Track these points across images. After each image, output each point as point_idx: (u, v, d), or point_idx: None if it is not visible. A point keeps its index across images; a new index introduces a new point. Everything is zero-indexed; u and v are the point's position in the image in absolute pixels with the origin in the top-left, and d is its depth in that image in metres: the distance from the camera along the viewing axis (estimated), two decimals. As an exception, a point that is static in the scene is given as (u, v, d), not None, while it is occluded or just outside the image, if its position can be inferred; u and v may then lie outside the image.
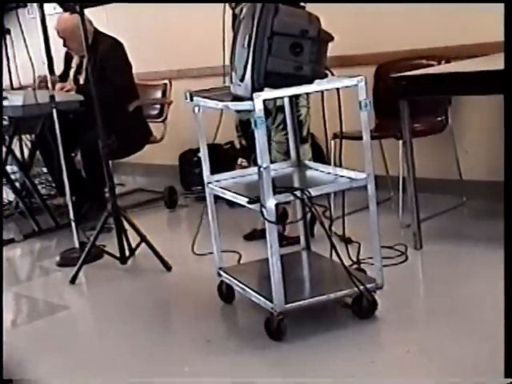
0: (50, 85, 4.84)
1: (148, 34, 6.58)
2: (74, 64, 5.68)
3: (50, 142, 5.17)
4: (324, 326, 3.24)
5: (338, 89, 3.19)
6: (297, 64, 3.00)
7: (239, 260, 4.04)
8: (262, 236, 3.53)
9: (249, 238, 4.58)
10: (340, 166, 3.49)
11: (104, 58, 5.26)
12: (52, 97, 4.68)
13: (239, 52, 3.12)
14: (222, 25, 3.76)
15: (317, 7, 3.36)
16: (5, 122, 5.35)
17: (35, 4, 5.12)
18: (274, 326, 3.14)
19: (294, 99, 3.78)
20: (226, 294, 3.66)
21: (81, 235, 4.70)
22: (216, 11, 3.93)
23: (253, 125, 2.96)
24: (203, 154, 3.55)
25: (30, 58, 4.85)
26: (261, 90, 2.98)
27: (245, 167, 4.53)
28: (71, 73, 5.67)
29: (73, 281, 4.28)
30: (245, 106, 3.03)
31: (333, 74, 3.17)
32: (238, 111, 4.14)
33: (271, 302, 3.13)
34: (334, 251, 3.30)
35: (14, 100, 5.13)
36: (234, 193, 3.32)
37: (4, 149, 5.50)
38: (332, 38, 3.13)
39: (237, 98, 3.15)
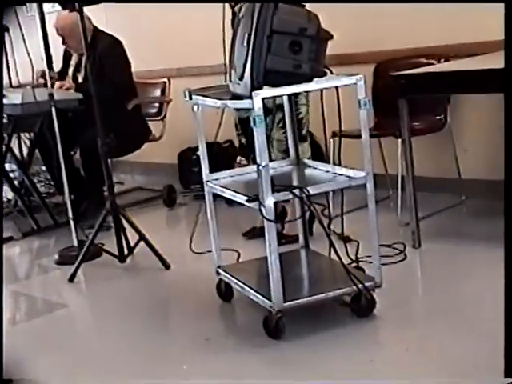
0: (48, 83, 4.84)
1: (147, 33, 6.58)
2: (72, 62, 5.67)
3: (49, 141, 5.17)
4: (322, 325, 3.24)
5: (337, 87, 3.19)
6: (296, 62, 2.99)
7: (238, 258, 4.04)
8: (260, 234, 3.53)
9: (248, 235, 4.58)
10: (339, 164, 3.49)
11: (103, 56, 5.25)
12: (51, 95, 4.67)
13: (238, 50, 3.12)
14: (221, 23, 3.76)
15: (316, 5, 3.36)
16: (3, 121, 5.34)
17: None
18: (272, 325, 3.15)
19: (293, 97, 3.78)
20: (225, 292, 3.66)
21: (79, 233, 4.69)
22: (215, 10, 3.93)
23: (252, 123, 2.96)
24: (202, 153, 3.55)
25: (29, 56, 4.84)
26: (260, 88, 2.98)
27: (244, 165, 4.54)
28: (70, 71, 5.67)
29: (71, 279, 4.27)
30: (244, 104, 3.03)
31: (332, 73, 3.17)
32: (238, 109, 4.14)
33: (270, 300, 3.13)
34: (332, 250, 3.30)
35: (13, 98, 5.12)
36: (233, 191, 3.32)
37: (3, 147, 5.51)
38: (331, 37, 3.13)
39: (236, 97, 3.15)
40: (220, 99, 3.18)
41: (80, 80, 5.53)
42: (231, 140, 5.51)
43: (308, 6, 3.59)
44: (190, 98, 3.44)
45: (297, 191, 3.09)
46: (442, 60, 4.66)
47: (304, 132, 4.30)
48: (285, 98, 3.72)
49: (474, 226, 4.35)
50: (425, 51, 4.79)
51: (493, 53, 4.21)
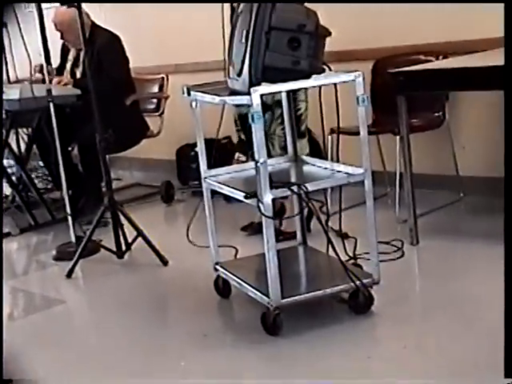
0: (46, 78, 4.83)
1: (145, 29, 6.57)
2: (70, 57, 5.67)
3: (47, 136, 5.16)
4: (320, 321, 3.24)
5: (335, 84, 3.18)
6: (294, 59, 2.99)
7: (236, 255, 4.04)
8: (259, 228, 3.53)
9: (246, 230, 4.58)
10: (337, 161, 3.49)
11: (101, 52, 5.25)
12: (49, 91, 4.67)
13: (237, 47, 3.11)
14: (220, 20, 3.76)
15: (315, 3, 3.35)
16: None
17: (32, -1, 5.11)
18: (270, 321, 3.15)
19: (291, 94, 3.77)
20: (223, 288, 3.66)
21: (77, 229, 4.69)
22: (214, 6, 3.92)
23: (250, 119, 2.96)
24: (200, 149, 3.55)
25: (27, 51, 4.84)
26: (258, 84, 2.98)
27: (242, 162, 4.53)
28: (68, 66, 5.67)
29: (69, 275, 4.27)
30: (242, 100, 3.03)
31: (330, 69, 3.16)
32: (237, 105, 4.14)
33: (267, 296, 3.13)
34: (330, 246, 3.30)
35: (11, 94, 5.12)
36: (231, 188, 3.32)
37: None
38: (329, 33, 3.13)
39: (234, 93, 3.14)
40: (218, 95, 3.18)
41: (78, 75, 5.53)
42: (230, 136, 5.50)
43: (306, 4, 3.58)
44: (189, 94, 3.44)
45: (295, 188, 3.09)
46: (441, 57, 4.66)
47: (303, 128, 4.30)
48: (283, 95, 3.71)
49: (472, 223, 4.36)
50: (423, 48, 4.79)
51: (491, 50, 4.20)
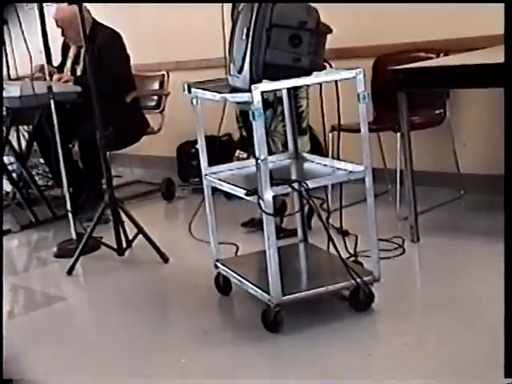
0: (47, 75, 4.83)
1: (146, 26, 6.57)
2: (71, 54, 5.66)
3: (48, 133, 5.16)
4: (321, 319, 3.24)
5: (336, 81, 3.18)
6: (295, 56, 2.99)
7: (236, 252, 4.04)
8: (259, 224, 3.53)
9: (247, 226, 4.58)
10: (338, 158, 3.49)
11: (102, 49, 5.25)
12: (49, 88, 4.67)
13: (237, 44, 3.11)
14: (220, 17, 3.76)
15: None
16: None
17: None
18: (270, 318, 3.15)
19: (292, 91, 3.77)
20: (223, 285, 3.66)
21: (78, 226, 4.69)
22: (214, 3, 3.92)
23: (251, 117, 2.96)
24: (201, 146, 3.55)
25: (28, 48, 4.84)
26: (259, 81, 2.97)
27: (242, 159, 4.53)
28: (68, 63, 5.66)
29: (70, 272, 4.28)
30: (243, 97, 3.03)
31: (331, 67, 3.16)
32: (239, 102, 4.13)
33: (268, 293, 3.13)
34: (331, 244, 3.30)
35: (12, 91, 5.12)
36: (232, 185, 3.32)
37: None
38: (330, 30, 3.13)
39: (235, 90, 3.14)
40: (219, 92, 3.18)
41: (78, 72, 5.53)
42: (230, 133, 5.50)
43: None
44: (189, 92, 3.44)
45: (296, 185, 3.09)
46: (442, 54, 4.66)
47: (304, 125, 4.30)
48: (284, 92, 3.71)
49: (472, 221, 4.35)
50: (424, 45, 4.79)
51: (492, 47, 4.20)
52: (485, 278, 3.46)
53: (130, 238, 4.41)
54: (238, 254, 4.01)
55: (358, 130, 3.16)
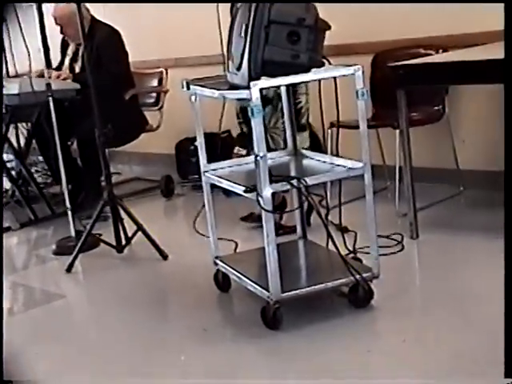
0: (45, 73, 4.83)
1: (144, 23, 6.56)
2: (69, 52, 5.66)
3: (46, 131, 5.15)
4: (320, 315, 3.24)
5: (335, 78, 3.18)
6: (294, 52, 2.99)
7: (235, 249, 4.04)
8: (258, 219, 3.52)
9: (246, 220, 4.58)
10: (337, 155, 3.49)
11: (100, 47, 5.25)
12: (48, 85, 4.66)
13: (236, 41, 3.11)
14: (220, 14, 3.76)
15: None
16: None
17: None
18: (270, 315, 3.15)
19: (291, 87, 3.77)
20: (223, 282, 3.66)
21: (77, 224, 4.69)
22: (212, 3, 3.92)
23: (249, 113, 2.95)
24: (200, 143, 3.54)
25: (27, 46, 4.83)
26: (258, 78, 2.97)
27: (241, 156, 4.53)
28: (67, 60, 5.66)
29: (69, 269, 4.27)
30: (241, 94, 3.02)
31: (330, 63, 3.16)
32: (238, 99, 4.14)
33: (267, 290, 3.12)
34: (330, 240, 3.30)
35: (11, 88, 5.11)
36: (231, 182, 3.31)
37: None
38: (329, 27, 3.12)
39: (234, 87, 3.14)
40: (218, 89, 3.18)
41: (77, 70, 5.52)
42: (229, 130, 5.50)
43: None
44: (188, 88, 3.43)
45: (295, 182, 3.09)
46: (441, 50, 4.65)
47: (303, 121, 4.30)
48: (283, 88, 3.71)
49: (471, 217, 4.35)
50: (423, 42, 4.78)
51: (491, 43, 4.20)
52: (484, 274, 3.46)
53: (129, 235, 4.41)
54: (237, 250, 4.01)
55: (357, 127, 3.16)
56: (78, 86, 5.21)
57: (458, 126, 4.78)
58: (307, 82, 3.85)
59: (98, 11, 5.61)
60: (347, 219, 3.59)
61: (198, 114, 3.50)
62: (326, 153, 4.16)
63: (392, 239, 4.02)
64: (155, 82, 6.02)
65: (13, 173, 5.74)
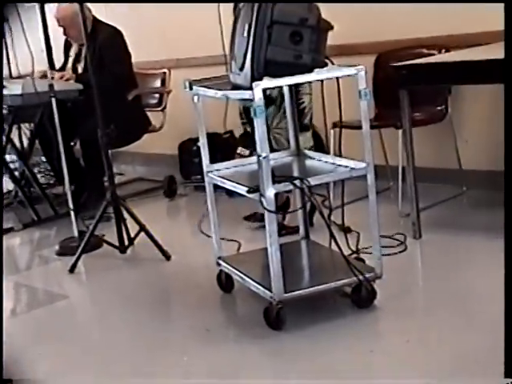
0: (48, 73, 4.83)
1: (147, 23, 6.56)
2: (72, 53, 5.67)
3: (49, 131, 5.16)
4: (323, 316, 3.24)
5: (337, 78, 3.18)
6: (296, 53, 2.99)
7: (238, 249, 4.04)
8: (261, 218, 3.52)
9: (249, 219, 4.58)
10: (339, 155, 3.48)
11: (103, 47, 5.25)
12: (51, 86, 4.67)
13: (239, 41, 3.11)
14: (222, 13, 3.75)
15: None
16: (4, 111, 5.34)
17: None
18: (273, 315, 3.15)
19: (294, 87, 3.77)
20: (225, 283, 3.66)
21: (80, 224, 4.70)
22: (214, 3, 3.92)
23: (252, 113, 2.95)
24: (202, 143, 3.54)
25: (29, 47, 4.83)
26: (260, 79, 2.97)
27: (244, 156, 4.53)
28: (70, 61, 5.66)
29: (72, 270, 4.28)
30: (244, 95, 3.02)
31: (333, 63, 3.16)
32: (242, 99, 4.14)
33: (270, 291, 3.13)
34: (333, 240, 3.30)
35: (13, 89, 5.12)
36: (234, 182, 3.31)
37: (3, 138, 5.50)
38: (332, 27, 3.12)
39: (236, 87, 3.14)
40: (220, 90, 3.18)
41: (80, 71, 5.53)
42: (231, 130, 5.50)
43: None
44: (191, 89, 3.43)
45: (297, 182, 3.09)
46: (443, 50, 4.65)
47: (306, 121, 4.30)
48: (285, 89, 3.71)
49: (474, 217, 4.35)
50: (426, 42, 4.78)
51: (494, 43, 4.19)
52: (487, 274, 3.46)
53: (132, 235, 4.41)
54: (240, 250, 4.01)
55: (360, 127, 3.16)
56: (80, 86, 5.22)
57: (460, 126, 4.78)
58: (310, 82, 3.86)
59: (99, 11, 5.61)
60: (350, 219, 3.59)
61: (200, 115, 3.50)
62: (328, 153, 4.16)
63: (395, 239, 4.02)
64: (158, 83, 6.03)
65: (16, 173, 5.74)
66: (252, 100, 2.94)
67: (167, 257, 4.27)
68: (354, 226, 3.90)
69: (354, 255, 3.56)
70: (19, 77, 5.95)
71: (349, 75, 3.13)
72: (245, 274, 3.41)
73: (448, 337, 2.96)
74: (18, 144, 5.94)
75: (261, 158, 2.97)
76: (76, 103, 5.31)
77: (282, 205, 4.27)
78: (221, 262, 3.63)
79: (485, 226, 4.06)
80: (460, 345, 2.86)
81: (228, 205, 4.76)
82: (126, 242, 4.43)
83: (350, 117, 3.50)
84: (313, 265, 3.69)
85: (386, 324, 3.24)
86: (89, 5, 5.22)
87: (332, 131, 4.44)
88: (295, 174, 3.48)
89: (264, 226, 3.10)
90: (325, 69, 3.11)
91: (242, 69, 3.04)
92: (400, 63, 4.01)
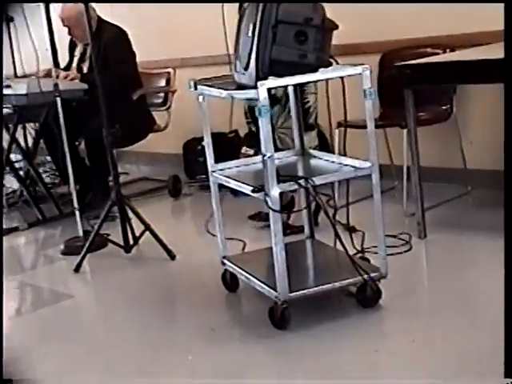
0: (53, 73, 4.84)
1: (152, 23, 6.57)
2: (77, 53, 5.68)
3: (54, 131, 5.16)
4: (328, 315, 3.24)
5: (342, 77, 3.18)
6: (301, 52, 2.99)
7: (243, 248, 4.04)
8: (266, 217, 3.52)
9: (254, 218, 4.58)
10: (344, 154, 3.48)
11: (108, 47, 5.25)
12: (56, 85, 4.67)
13: (243, 40, 3.11)
14: (226, 13, 3.75)
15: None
16: (9, 111, 5.35)
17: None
18: (277, 315, 3.15)
19: (299, 87, 3.77)
20: (230, 282, 3.66)
21: (85, 224, 4.70)
22: (217, 3, 3.91)
23: (257, 113, 2.95)
24: (207, 143, 3.54)
25: (34, 47, 4.84)
26: (265, 78, 2.97)
27: (249, 156, 4.53)
28: (75, 61, 5.67)
29: (77, 269, 4.28)
30: (249, 94, 3.02)
31: (337, 63, 3.16)
32: (247, 98, 4.14)
33: (275, 290, 3.13)
34: (338, 240, 3.30)
35: (18, 88, 5.12)
36: (239, 181, 3.31)
37: (8, 137, 5.51)
38: (336, 27, 3.12)
39: (241, 87, 3.14)
40: (225, 89, 3.18)
41: (85, 70, 5.54)
42: (236, 130, 5.50)
43: None
44: (195, 88, 3.43)
45: (302, 181, 3.09)
46: (448, 50, 4.64)
47: (311, 121, 4.30)
48: (290, 88, 3.71)
49: (479, 217, 4.34)
50: (430, 41, 4.77)
51: (499, 42, 4.19)
52: (492, 274, 3.44)
53: (137, 235, 4.42)
54: (245, 250, 4.01)
55: (365, 127, 3.16)
56: (85, 86, 5.22)
57: (465, 126, 4.77)
58: (315, 81, 3.86)
59: (105, 11, 5.62)
60: (355, 219, 3.58)
61: (205, 114, 3.51)
62: (333, 152, 4.16)
63: (400, 239, 4.02)
64: (163, 82, 6.03)
65: (21, 173, 5.75)
66: (257, 99, 2.94)
67: (172, 256, 4.27)
68: (359, 225, 3.89)
69: (359, 255, 3.55)
70: (24, 76, 5.96)
71: (353, 75, 3.13)
72: (250, 274, 3.41)
73: (453, 336, 2.96)
74: (23, 143, 5.95)
75: (266, 158, 2.97)
76: (81, 103, 5.32)
77: (287, 204, 4.27)
78: (226, 261, 3.63)
79: (489, 226, 4.06)
80: (465, 344, 2.86)
81: (233, 204, 4.76)
82: (131, 242, 4.43)
83: (354, 116, 3.50)
84: (318, 264, 3.69)
85: (391, 324, 3.23)
86: (93, 4, 5.22)
87: (337, 131, 4.44)
88: (300, 173, 3.49)
89: (269, 226, 3.10)
90: (329, 68, 3.11)
91: (246, 68, 3.05)
92: (405, 63, 4.01)
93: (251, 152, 4.65)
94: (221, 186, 3.57)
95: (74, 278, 4.28)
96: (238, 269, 3.52)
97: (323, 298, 3.31)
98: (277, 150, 3.54)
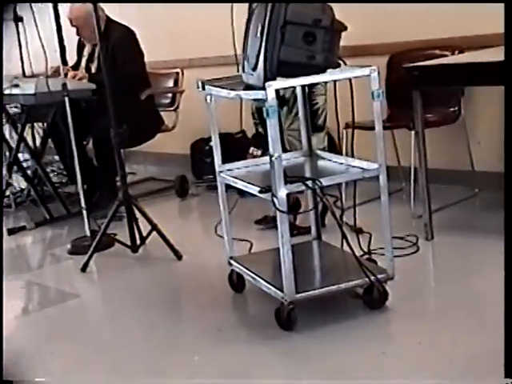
0: (62, 72, 4.85)
1: (160, 23, 6.58)
2: (85, 52, 5.69)
3: (62, 130, 5.18)
4: (334, 317, 3.24)
5: (350, 79, 3.17)
6: (309, 53, 2.98)
7: (250, 249, 4.04)
8: (273, 221, 3.52)
9: (260, 223, 4.58)
10: (352, 156, 3.48)
11: (116, 47, 5.26)
12: (64, 85, 4.68)
13: (252, 41, 3.11)
14: (234, 14, 3.75)
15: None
16: (17, 110, 5.36)
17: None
18: (284, 316, 3.14)
19: (307, 88, 3.76)
20: (237, 283, 3.66)
21: (92, 223, 4.70)
22: (226, 3, 3.91)
23: (265, 114, 2.95)
24: (215, 143, 3.54)
25: (43, 46, 4.85)
26: (273, 79, 2.97)
27: (256, 156, 4.53)
28: (83, 61, 5.68)
29: (84, 269, 4.29)
30: (257, 95, 3.02)
31: (345, 64, 3.16)
32: (255, 99, 4.14)
33: (282, 291, 3.12)
34: (345, 241, 3.30)
35: (26, 88, 5.13)
36: (246, 182, 3.31)
37: (16, 137, 5.52)
38: (345, 28, 3.12)
39: (249, 87, 3.14)
40: (233, 90, 3.18)
41: (93, 70, 5.54)
42: (244, 131, 5.50)
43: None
44: (203, 89, 3.43)
45: (309, 183, 3.09)
46: (456, 52, 4.64)
47: (320, 122, 4.29)
48: (298, 89, 3.70)
49: (486, 219, 4.33)
50: (439, 43, 4.77)
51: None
52: (499, 276, 3.42)
53: (144, 235, 4.42)
54: (252, 251, 4.01)
55: (373, 128, 3.15)
56: (93, 86, 5.23)
57: (473, 128, 4.77)
58: (323, 82, 3.86)
59: (113, 11, 5.62)
60: (362, 220, 3.58)
61: (213, 115, 3.51)
62: (341, 154, 4.15)
63: (407, 241, 4.01)
64: (171, 83, 6.04)
65: (28, 172, 5.76)
66: (265, 100, 2.94)
67: (179, 256, 4.27)
68: (366, 226, 3.89)
69: (366, 256, 3.55)
70: (33, 75, 5.97)
71: (362, 76, 3.12)
72: (256, 274, 3.41)
73: (460, 339, 2.95)
74: (30, 143, 5.96)
75: (273, 159, 2.97)
76: (89, 103, 5.33)
77: (292, 206, 4.26)
78: (232, 261, 3.63)
79: (497, 228, 4.02)
80: (472, 347, 2.85)
81: (240, 205, 4.74)
82: (138, 242, 4.44)
83: (362, 117, 3.50)
84: (324, 265, 3.68)
85: (397, 326, 3.23)
86: (102, 5, 5.23)
87: (344, 132, 4.44)
88: (307, 174, 3.48)
89: (276, 227, 3.10)
90: (338, 69, 3.11)
91: (254, 69, 3.05)
92: (413, 64, 4.00)
93: (259, 153, 4.65)
94: (228, 187, 3.57)
95: (81, 278, 4.29)
96: (244, 269, 3.52)
97: (330, 300, 3.31)
98: (285, 152, 3.53)
